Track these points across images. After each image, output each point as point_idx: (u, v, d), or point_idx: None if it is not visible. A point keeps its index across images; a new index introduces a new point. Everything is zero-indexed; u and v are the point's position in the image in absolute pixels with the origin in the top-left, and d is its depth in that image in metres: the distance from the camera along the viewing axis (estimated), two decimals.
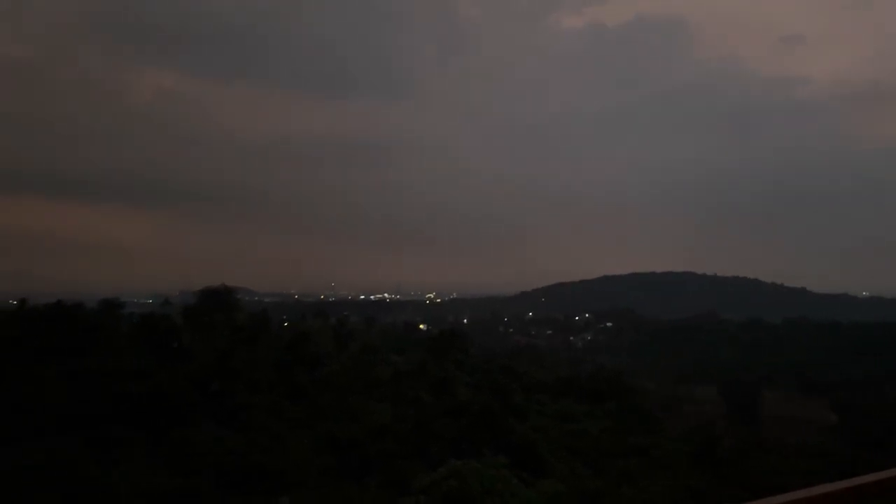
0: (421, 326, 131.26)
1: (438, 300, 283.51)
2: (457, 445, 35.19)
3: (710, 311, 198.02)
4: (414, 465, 30.71)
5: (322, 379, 52.72)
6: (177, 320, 66.75)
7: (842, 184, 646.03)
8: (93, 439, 33.30)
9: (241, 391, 47.27)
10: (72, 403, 39.06)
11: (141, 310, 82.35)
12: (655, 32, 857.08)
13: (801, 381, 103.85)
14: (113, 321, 62.73)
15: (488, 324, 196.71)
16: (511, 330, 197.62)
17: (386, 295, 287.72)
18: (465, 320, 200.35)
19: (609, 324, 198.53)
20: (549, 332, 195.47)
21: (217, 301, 71.40)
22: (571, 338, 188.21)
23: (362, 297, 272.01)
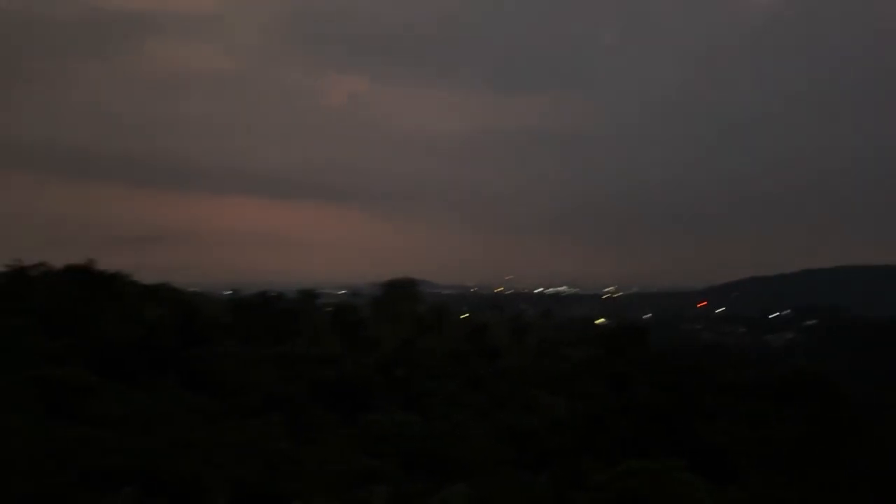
0: (599, 321, 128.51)
1: (618, 294, 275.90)
2: (633, 444, 34.10)
3: None
4: (589, 462, 30.20)
5: (499, 370, 53.45)
6: (365, 310, 71.04)
7: None
8: (291, 418, 36.34)
9: (423, 379, 49.24)
10: (273, 384, 42.98)
11: (334, 300, 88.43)
12: None
13: None
14: (309, 310, 67.95)
15: (672, 320, 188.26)
16: (698, 327, 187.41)
17: (563, 289, 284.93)
18: (647, 316, 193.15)
19: (811, 322, 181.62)
20: (742, 329, 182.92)
21: (401, 292, 74.98)
22: (767, 336, 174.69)
23: (539, 290, 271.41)
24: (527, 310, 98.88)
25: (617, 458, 25.06)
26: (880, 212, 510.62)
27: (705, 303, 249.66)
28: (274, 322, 58.81)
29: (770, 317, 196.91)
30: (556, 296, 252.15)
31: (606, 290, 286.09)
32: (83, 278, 51.67)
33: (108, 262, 55.60)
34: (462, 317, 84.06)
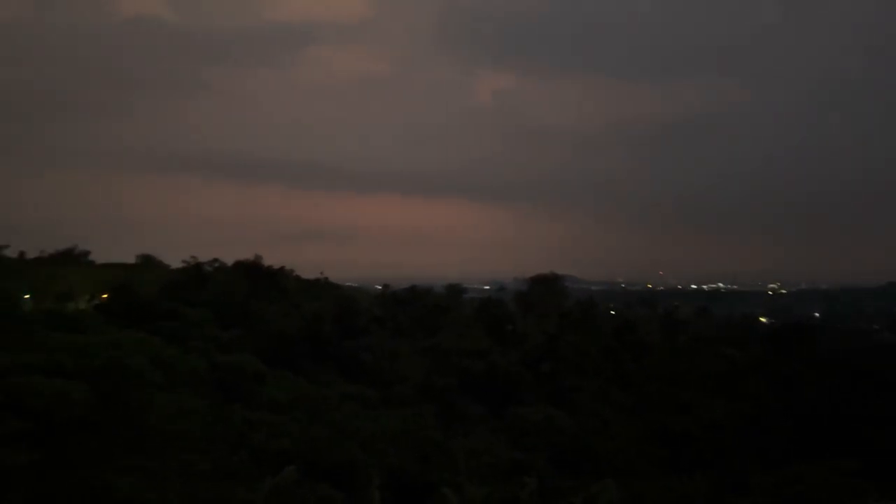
0: (761, 319, 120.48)
1: (783, 291, 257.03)
2: (797, 449, 31.73)
3: None
4: (751, 465, 28.51)
5: (649, 368, 51.65)
6: (510, 305, 71.27)
7: None
8: (442, 409, 37.30)
9: (570, 374, 48.67)
10: (425, 376, 44.31)
11: (480, 295, 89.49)
12: None
13: None
14: (456, 304, 69.22)
15: (846, 318, 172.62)
16: (876, 327, 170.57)
17: (720, 285, 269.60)
18: (817, 314, 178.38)
19: None
20: None
21: (546, 288, 74.46)
22: None
23: (693, 286, 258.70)
24: (680, 307, 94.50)
25: (779, 462, 23.48)
26: None
27: None
28: (423, 316, 60.51)
29: None
30: (714, 292, 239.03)
31: (770, 286, 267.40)
32: (251, 273, 55.91)
33: (272, 258, 59.87)
34: (610, 313, 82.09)
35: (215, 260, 59.17)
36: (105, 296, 49.18)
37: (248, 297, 50.51)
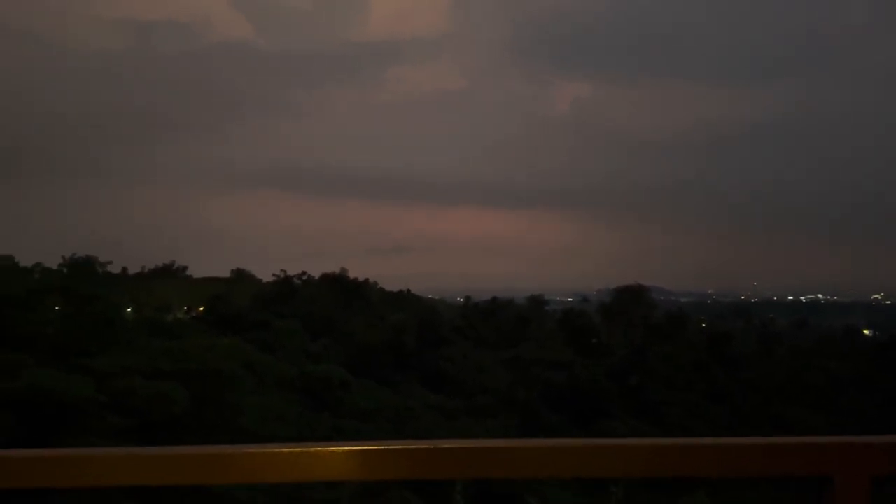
0: (864, 332, 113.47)
1: (888, 301, 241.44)
2: None
3: None
4: None
5: (744, 382, 49.56)
6: (594, 317, 69.97)
7: None
8: (524, 420, 37.00)
9: (659, 388, 47.30)
10: (507, 387, 44.07)
11: (562, 306, 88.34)
12: None
13: None
14: (539, 316, 68.61)
15: None
16: None
17: (819, 295, 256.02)
18: None
19: None
20: None
21: (632, 299, 72.69)
22: None
23: (790, 297, 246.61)
24: (776, 318, 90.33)
25: None
26: None
27: None
28: (505, 327, 60.31)
29: None
30: (812, 303, 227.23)
31: (873, 296, 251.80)
32: (337, 286, 57.33)
33: (357, 270, 61.24)
34: (701, 325, 79.34)
35: (303, 273, 61.11)
36: (201, 308, 51.61)
37: (335, 308, 51.77)
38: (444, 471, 1.71)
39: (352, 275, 59.78)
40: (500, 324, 61.06)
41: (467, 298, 73.94)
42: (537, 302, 74.21)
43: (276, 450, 1.59)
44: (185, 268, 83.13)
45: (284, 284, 58.06)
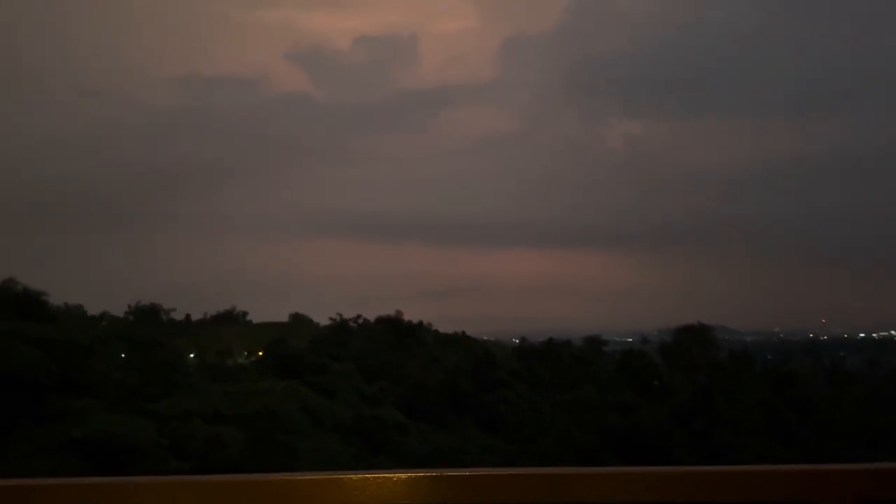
0: None
1: None
2: None
3: None
4: None
5: (816, 425, 47.31)
6: (655, 358, 68.17)
7: None
8: (585, 466, 36.05)
9: (725, 431, 45.53)
10: (565, 431, 43.10)
11: (621, 347, 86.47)
12: None
13: None
14: (597, 357, 67.29)
15: None
16: None
17: (893, 332, 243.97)
18: None
19: None
20: None
21: (693, 338, 70.65)
22: None
23: (862, 334, 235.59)
24: (848, 357, 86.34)
25: None
26: None
27: None
28: (561, 369, 59.31)
29: None
30: (886, 341, 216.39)
31: None
32: (392, 328, 57.63)
33: (412, 313, 61.50)
34: (768, 365, 76.39)
35: (359, 316, 61.74)
36: (260, 352, 52.48)
37: (390, 351, 51.94)
38: (498, 497, 1.75)
39: (407, 317, 60.11)
40: (556, 365, 60.10)
41: (522, 340, 73.30)
42: (595, 343, 72.90)
43: (339, 476, 1.67)
44: (245, 313, 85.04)
45: (340, 328, 58.71)
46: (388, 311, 60.47)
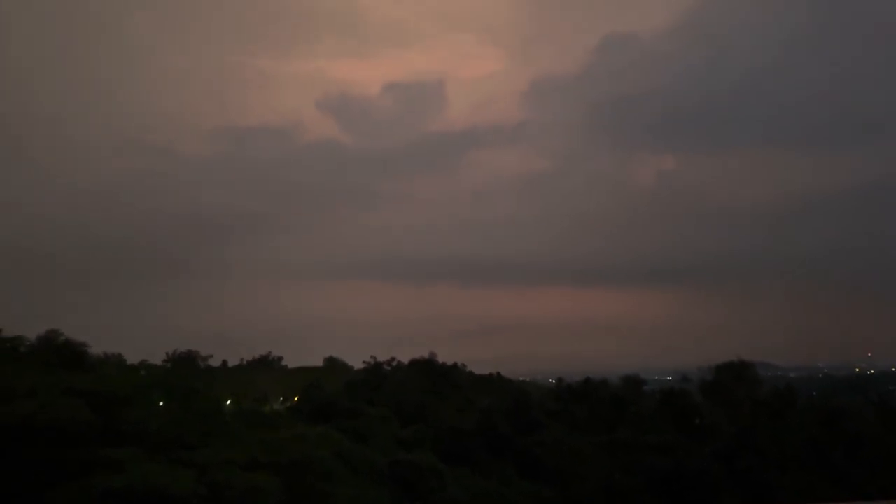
0: None
1: None
2: None
3: None
4: None
5: (865, 463, 45.63)
6: (696, 396, 66.62)
7: None
8: None
9: (770, 470, 44.13)
10: (607, 474, 42.16)
11: (660, 385, 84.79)
12: None
13: None
14: (636, 396, 66.01)
15: None
16: None
17: None
18: None
19: None
20: None
21: (735, 376, 69.02)
22: None
23: None
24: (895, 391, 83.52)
25: None
26: None
27: None
28: (600, 409, 58.27)
29: None
30: None
31: None
32: (426, 371, 57.45)
33: (446, 355, 61.34)
34: (812, 401, 74.09)
35: (392, 359, 61.79)
36: (296, 398, 52.68)
37: (425, 393, 51.69)
38: None
39: (441, 359, 59.95)
40: (594, 406, 59.08)
41: (559, 380, 72.35)
42: (634, 382, 71.55)
43: None
44: (280, 358, 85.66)
45: (374, 371, 58.76)
46: (422, 352, 60.52)
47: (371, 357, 61.48)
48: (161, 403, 28.65)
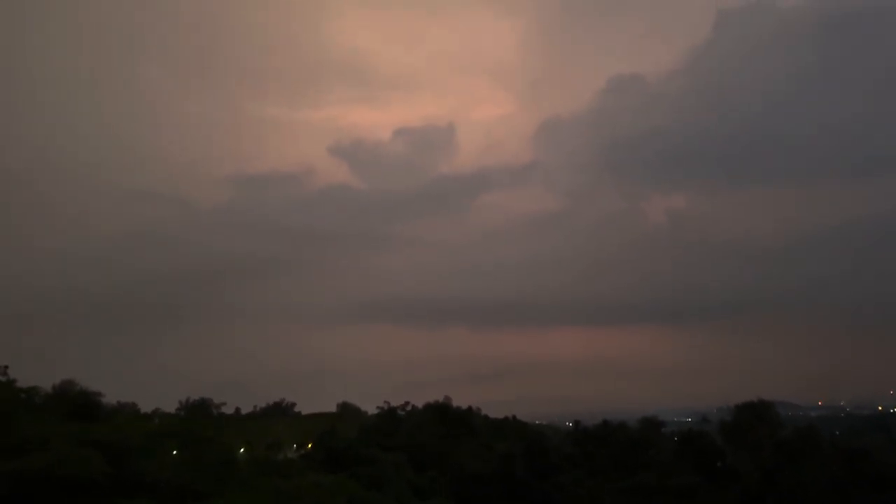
0: None
1: None
2: None
3: None
4: None
5: (891, 502, 44.39)
6: (716, 437, 65.27)
7: None
8: None
9: None
10: None
11: (678, 427, 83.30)
12: None
13: None
14: (655, 439, 64.80)
15: None
16: None
17: None
18: None
19: None
20: None
21: (755, 416, 67.71)
22: None
23: None
24: None
25: None
26: None
27: None
28: (619, 453, 57.21)
29: None
30: None
31: None
32: (441, 415, 56.83)
33: (460, 398, 60.76)
34: (836, 440, 72.49)
35: (407, 403, 61.26)
36: (310, 444, 52.14)
37: (439, 438, 51.05)
38: None
39: (455, 402, 59.35)
40: (613, 450, 58.01)
41: (576, 423, 71.22)
42: (652, 424, 70.28)
43: None
44: (293, 404, 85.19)
45: (388, 416, 58.20)
46: (436, 395, 59.99)
47: (385, 402, 61.04)
48: (174, 452, 28.46)
